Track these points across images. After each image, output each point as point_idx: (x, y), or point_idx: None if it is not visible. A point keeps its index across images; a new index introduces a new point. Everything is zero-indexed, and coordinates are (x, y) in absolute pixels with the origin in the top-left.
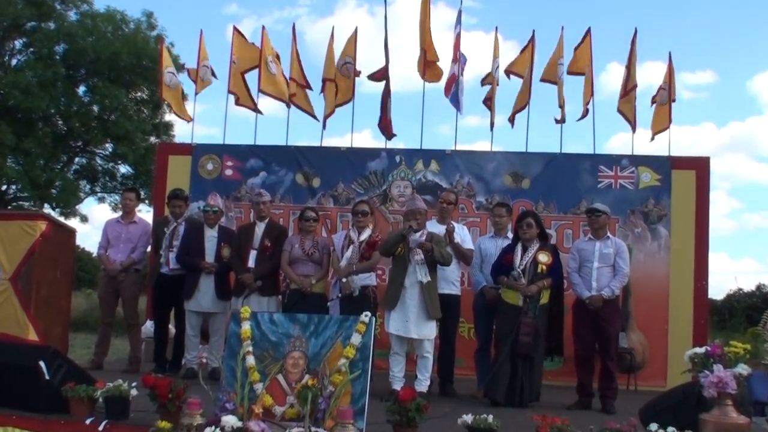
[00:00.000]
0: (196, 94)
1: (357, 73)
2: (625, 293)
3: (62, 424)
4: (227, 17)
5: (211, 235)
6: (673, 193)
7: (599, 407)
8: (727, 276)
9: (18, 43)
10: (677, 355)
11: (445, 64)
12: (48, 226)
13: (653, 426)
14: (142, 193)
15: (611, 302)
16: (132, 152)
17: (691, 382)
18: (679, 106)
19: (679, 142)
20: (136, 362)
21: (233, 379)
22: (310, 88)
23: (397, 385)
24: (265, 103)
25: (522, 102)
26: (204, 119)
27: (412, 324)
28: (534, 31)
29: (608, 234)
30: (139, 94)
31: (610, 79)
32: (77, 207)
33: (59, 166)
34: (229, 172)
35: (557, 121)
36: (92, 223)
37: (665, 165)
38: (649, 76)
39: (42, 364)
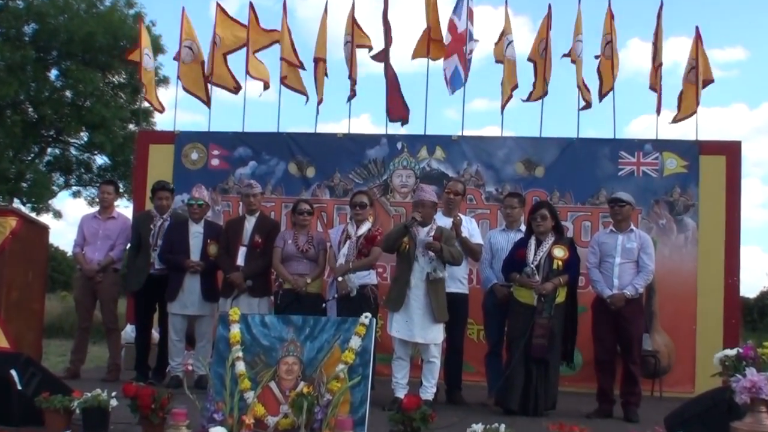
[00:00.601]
0: (179, 78)
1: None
2: (649, 291)
3: None
4: None
5: (196, 231)
6: (701, 181)
7: (621, 415)
8: (761, 272)
9: None
10: (706, 358)
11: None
12: (18, 223)
13: None
14: (120, 185)
15: (634, 301)
16: (110, 141)
17: (721, 388)
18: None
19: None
20: (116, 370)
21: (222, 388)
22: (303, 68)
23: (401, 393)
24: (254, 86)
25: (540, 88)
26: (188, 105)
27: (417, 327)
28: (550, 5)
29: (631, 226)
30: (117, 77)
31: (630, 56)
32: (50, 202)
33: (30, 158)
34: (215, 161)
35: (583, 107)
36: (67, 219)
37: (692, 150)
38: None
39: (13, 373)
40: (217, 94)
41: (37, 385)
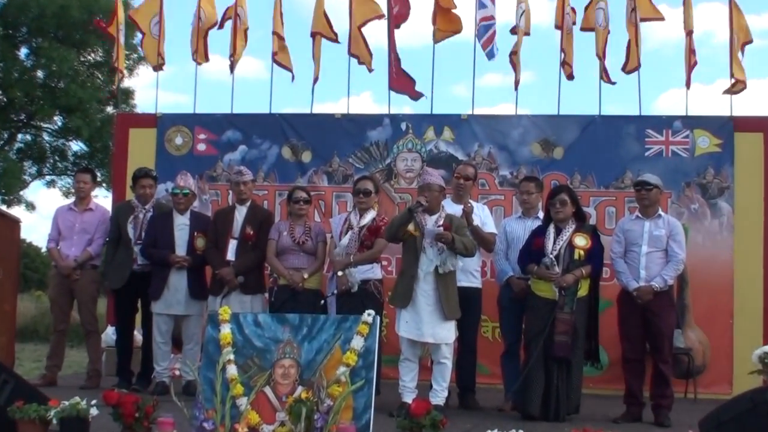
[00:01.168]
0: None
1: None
2: (681, 283)
3: None
4: None
5: (181, 223)
6: (736, 161)
7: (651, 419)
8: None
9: None
10: (744, 356)
11: (466, 10)
12: None
13: None
14: (98, 174)
15: (664, 294)
16: (86, 126)
17: (761, 388)
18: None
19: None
20: (96, 376)
21: (212, 394)
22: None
23: (409, 397)
24: (243, 63)
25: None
26: (170, 84)
27: (426, 325)
28: None
29: (659, 212)
30: (93, 55)
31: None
32: (22, 193)
33: None
34: (201, 146)
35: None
36: (40, 211)
37: (726, 127)
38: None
39: None
40: (203, 72)
41: (10, 394)
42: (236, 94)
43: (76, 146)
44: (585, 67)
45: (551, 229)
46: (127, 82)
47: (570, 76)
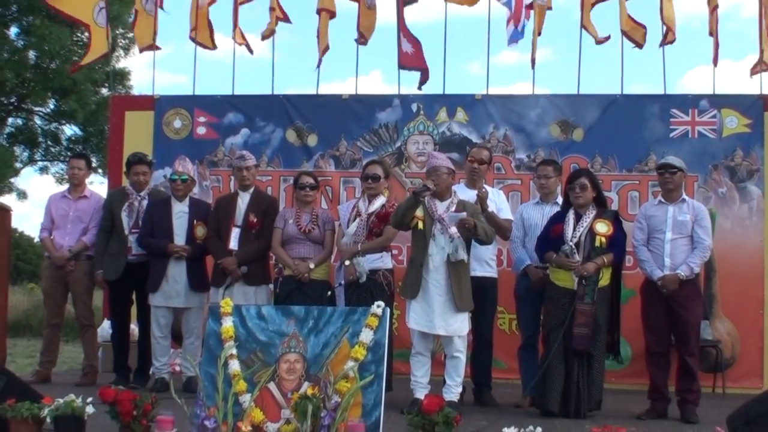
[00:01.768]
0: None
1: None
2: (708, 271)
3: None
4: None
5: (180, 211)
6: (766, 142)
7: (677, 415)
8: None
9: None
10: None
11: None
12: None
13: None
14: (93, 160)
15: (689, 283)
16: (81, 108)
17: None
18: None
19: None
20: (92, 373)
21: (214, 391)
22: (289, 21)
23: (421, 393)
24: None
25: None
26: (167, 64)
27: (438, 316)
28: None
29: (684, 196)
30: (87, 34)
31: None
32: (13, 180)
33: None
34: (201, 130)
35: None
36: (32, 199)
37: (756, 106)
38: None
39: None
40: (203, 52)
41: (1, 391)
42: (238, 74)
43: (69, 130)
44: (607, 43)
45: (571, 215)
46: (122, 63)
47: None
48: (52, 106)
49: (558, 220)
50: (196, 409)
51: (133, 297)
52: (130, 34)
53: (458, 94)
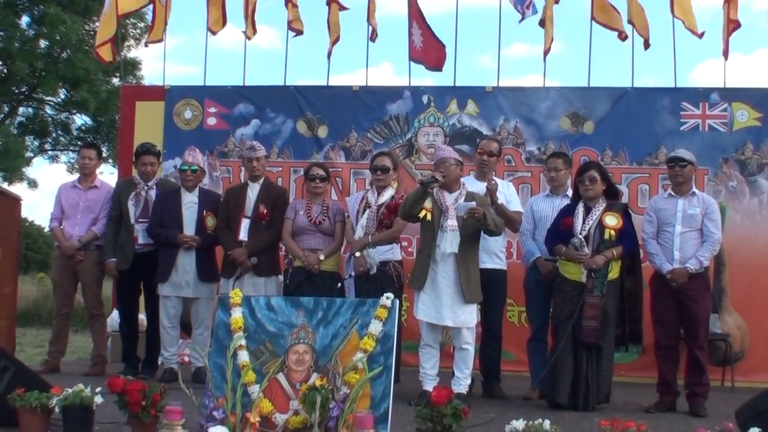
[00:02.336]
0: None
1: None
2: (718, 264)
3: None
4: None
5: (190, 201)
6: None
7: (686, 409)
8: None
9: None
10: None
11: None
12: None
13: (754, 431)
14: (104, 149)
15: (699, 276)
16: (93, 98)
17: None
18: None
19: None
20: (101, 362)
21: (222, 381)
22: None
23: (429, 385)
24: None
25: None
26: (178, 55)
27: (446, 308)
28: None
29: (694, 189)
30: (98, 23)
31: None
32: (23, 169)
33: None
34: (212, 120)
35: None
36: (42, 189)
37: (767, 100)
38: None
39: None
40: (214, 43)
41: (10, 381)
42: (249, 65)
43: (80, 120)
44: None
45: (580, 208)
46: (133, 53)
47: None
48: (63, 96)
49: (567, 212)
50: (205, 400)
51: (141, 287)
52: (141, 24)
53: (469, 86)
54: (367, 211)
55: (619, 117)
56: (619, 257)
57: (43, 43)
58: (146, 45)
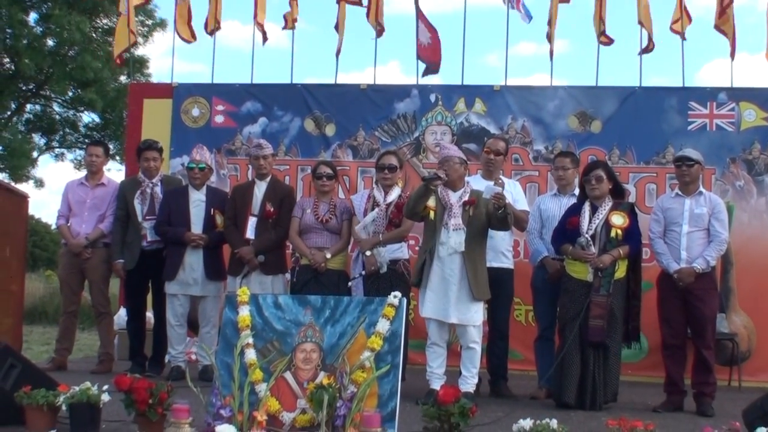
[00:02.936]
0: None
1: None
2: (725, 264)
3: None
4: None
5: (197, 199)
6: None
7: (693, 408)
8: None
9: None
10: None
11: None
12: None
13: (761, 431)
14: (111, 147)
15: (706, 276)
16: (100, 99)
17: None
18: None
19: None
20: (108, 360)
21: (230, 380)
22: None
23: (436, 384)
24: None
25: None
26: (185, 53)
27: (452, 305)
28: None
29: (701, 189)
30: (106, 21)
31: None
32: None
33: (6, 115)
34: (219, 118)
35: (643, 51)
36: (49, 186)
37: None
38: None
39: None
40: (222, 39)
41: (17, 379)
42: (256, 63)
43: (87, 117)
44: (625, 35)
45: (587, 207)
46: (141, 50)
47: (608, 43)
48: (71, 94)
49: (574, 212)
50: (212, 398)
51: (149, 285)
52: (149, 22)
53: (477, 84)
54: (376, 210)
55: (627, 116)
56: (625, 256)
57: (50, 41)
58: (186, 41)
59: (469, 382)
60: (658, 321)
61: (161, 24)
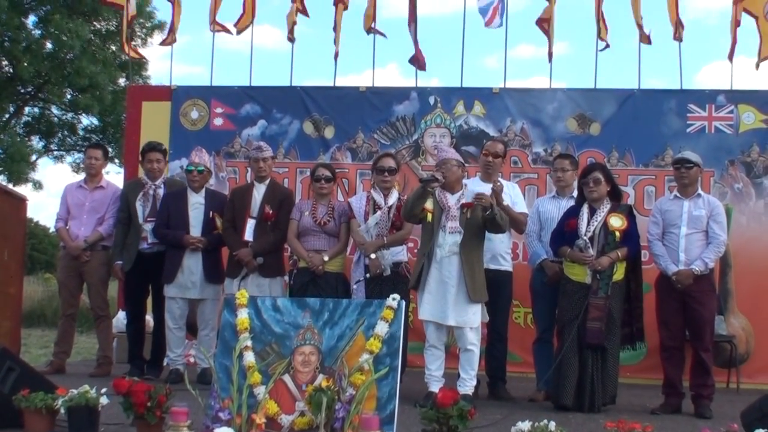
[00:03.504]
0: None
1: None
2: (723, 266)
3: None
4: None
5: (196, 202)
6: None
7: (691, 410)
8: None
9: None
10: None
11: None
12: None
13: None
14: (110, 150)
15: (704, 278)
16: (97, 104)
17: None
18: None
19: None
20: (107, 363)
21: (228, 382)
22: (306, 15)
23: (435, 387)
24: (262, 33)
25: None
26: (184, 55)
27: (450, 308)
28: None
29: (699, 191)
30: (105, 24)
31: None
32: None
33: (5, 118)
34: (218, 121)
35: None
36: (48, 189)
37: None
38: None
39: None
40: (220, 42)
41: (15, 381)
42: (255, 65)
43: (86, 120)
44: (623, 37)
45: (585, 210)
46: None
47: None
48: (69, 96)
49: (572, 214)
50: (211, 401)
51: (149, 288)
52: (149, 24)
53: (476, 87)
54: (378, 213)
55: (626, 118)
56: (623, 258)
57: (48, 45)
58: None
59: (467, 385)
60: (656, 323)
61: (160, 26)
